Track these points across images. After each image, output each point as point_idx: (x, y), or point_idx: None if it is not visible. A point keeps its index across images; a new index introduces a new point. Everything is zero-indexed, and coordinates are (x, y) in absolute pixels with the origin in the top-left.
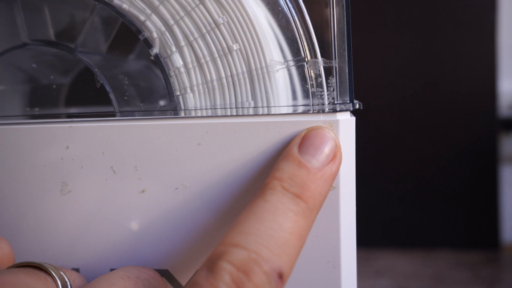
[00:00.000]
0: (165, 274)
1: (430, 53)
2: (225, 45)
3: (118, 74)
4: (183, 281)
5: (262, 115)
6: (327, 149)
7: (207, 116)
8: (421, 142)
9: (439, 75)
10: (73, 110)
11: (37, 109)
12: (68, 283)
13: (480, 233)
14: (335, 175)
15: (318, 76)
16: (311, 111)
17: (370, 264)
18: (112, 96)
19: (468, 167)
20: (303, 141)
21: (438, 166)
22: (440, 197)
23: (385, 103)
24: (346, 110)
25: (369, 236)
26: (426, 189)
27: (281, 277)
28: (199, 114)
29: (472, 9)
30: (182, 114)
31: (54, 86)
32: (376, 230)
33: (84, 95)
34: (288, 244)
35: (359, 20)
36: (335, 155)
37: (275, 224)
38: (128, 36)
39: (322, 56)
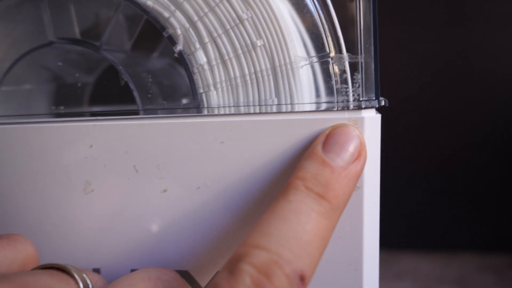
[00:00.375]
0: (185, 275)
1: (455, 49)
2: (249, 41)
3: (142, 72)
4: (203, 282)
5: (286, 112)
6: (352, 148)
7: (230, 114)
8: (446, 140)
9: (464, 73)
10: (97, 108)
11: (62, 107)
12: (90, 285)
13: (506, 235)
14: (359, 174)
15: (343, 72)
16: (336, 108)
17: (391, 266)
18: (135, 94)
19: (494, 167)
20: (327, 139)
21: (463, 165)
22: (465, 198)
23: (410, 98)
24: (372, 107)
25: (390, 237)
26: (450, 189)
27: (302, 279)
28: (222, 112)
29: (500, 4)
30: (205, 112)
31: (79, 85)
32: (398, 231)
33: (108, 94)
34: (310, 246)
35: (385, 12)
36: (360, 154)
37: (297, 225)
38: (151, 34)
39: (347, 51)
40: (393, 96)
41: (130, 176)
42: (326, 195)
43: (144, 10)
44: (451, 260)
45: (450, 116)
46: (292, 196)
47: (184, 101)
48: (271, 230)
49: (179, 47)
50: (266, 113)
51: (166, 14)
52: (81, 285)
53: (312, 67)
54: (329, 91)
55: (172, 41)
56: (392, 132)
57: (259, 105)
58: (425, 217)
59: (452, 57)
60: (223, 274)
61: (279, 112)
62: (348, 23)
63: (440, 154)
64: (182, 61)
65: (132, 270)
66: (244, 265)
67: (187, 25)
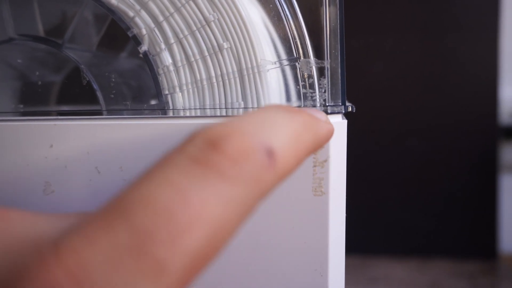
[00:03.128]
0: None
1: (431, 58)
2: (215, 43)
3: (107, 72)
4: None
5: None
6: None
7: (196, 116)
8: (420, 148)
9: (439, 81)
10: (60, 108)
11: (21, 106)
12: None
13: (478, 242)
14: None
15: (310, 76)
16: None
17: (366, 271)
18: (99, 94)
19: (467, 174)
20: None
21: (436, 173)
22: (438, 205)
23: (385, 107)
24: (338, 113)
25: (365, 243)
26: (424, 196)
27: (271, 155)
28: (187, 114)
29: (474, 14)
30: (170, 114)
31: (40, 83)
32: (373, 237)
33: (72, 93)
34: (285, 133)
35: (361, 22)
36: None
37: (270, 115)
38: (119, 33)
39: (315, 56)
40: (370, 103)
41: (91, 178)
42: (295, 112)
43: (108, 9)
44: (424, 266)
45: (425, 124)
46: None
47: (153, 102)
48: (240, 117)
49: (144, 47)
50: (233, 116)
51: (131, 14)
52: None
53: (283, 71)
54: (297, 95)
55: (137, 41)
56: (367, 138)
57: (226, 108)
58: (399, 223)
59: (426, 68)
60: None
61: None
62: (316, 29)
63: (415, 162)
64: (147, 61)
65: None
66: (200, 134)
67: (152, 25)
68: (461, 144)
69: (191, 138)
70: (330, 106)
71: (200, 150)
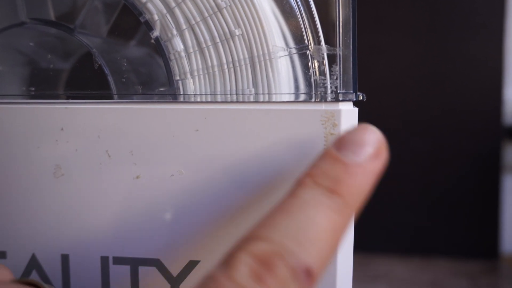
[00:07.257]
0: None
1: (435, 58)
2: (227, 30)
3: (118, 58)
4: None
5: (263, 102)
6: (369, 145)
7: (206, 102)
8: (423, 148)
9: (444, 80)
10: (71, 92)
11: (33, 89)
12: None
13: (479, 242)
14: (377, 171)
15: (321, 63)
16: (313, 100)
17: (367, 269)
18: (110, 78)
19: (470, 174)
20: (341, 138)
21: (440, 172)
22: (441, 205)
23: (389, 106)
24: (349, 100)
25: (367, 241)
26: (427, 195)
27: (309, 275)
28: (198, 100)
29: (480, 14)
30: (181, 99)
31: (51, 66)
32: (375, 235)
33: (83, 78)
34: (319, 240)
35: (367, 20)
36: (379, 151)
37: (304, 218)
38: (129, 20)
39: (326, 43)
40: (373, 102)
41: (102, 161)
42: (337, 189)
43: None
44: (426, 265)
45: (429, 123)
46: (299, 191)
47: (161, 90)
48: (275, 223)
49: (156, 33)
50: (243, 102)
51: None
52: None
53: (292, 58)
54: (308, 82)
55: (149, 26)
56: None
57: (236, 93)
58: (401, 222)
59: (431, 67)
60: (219, 266)
61: (256, 102)
62: (327, 16)
63: (418, 161)
64: (159, 47)
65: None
66: (242, 255)
67: (164, 11)
68: (465, 144)
69: (235, 254)
70: (342, 93)
71: (253, 269)
